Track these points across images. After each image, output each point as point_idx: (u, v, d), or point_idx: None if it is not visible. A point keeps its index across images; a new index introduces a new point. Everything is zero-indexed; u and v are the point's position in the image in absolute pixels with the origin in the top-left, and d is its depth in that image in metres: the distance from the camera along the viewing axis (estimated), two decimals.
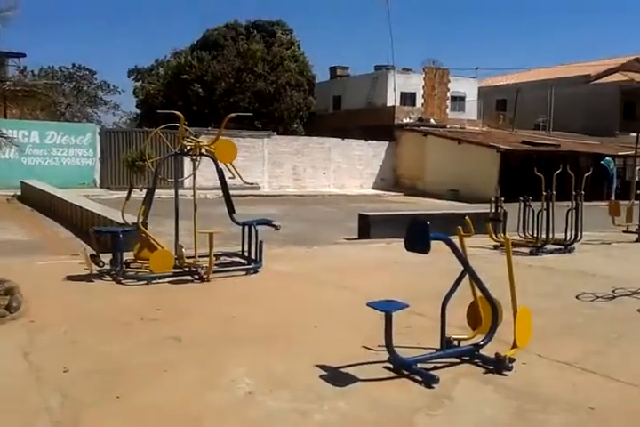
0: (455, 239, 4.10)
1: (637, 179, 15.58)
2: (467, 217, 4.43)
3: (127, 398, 3.47)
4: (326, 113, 34.26)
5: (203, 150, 7.27)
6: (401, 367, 3.93)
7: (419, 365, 3.93)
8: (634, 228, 12.16)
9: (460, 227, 4.37)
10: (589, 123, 35.25)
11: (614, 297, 6.45)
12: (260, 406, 3.41)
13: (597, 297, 6.40)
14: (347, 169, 28.23)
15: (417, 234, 3.82)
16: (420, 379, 3.80)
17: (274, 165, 26.50)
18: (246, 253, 7.39)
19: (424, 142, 28.34)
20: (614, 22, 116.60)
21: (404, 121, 30.04)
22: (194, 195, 6.97)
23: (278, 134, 27.48)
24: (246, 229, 7.33)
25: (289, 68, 30.70)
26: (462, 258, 4.05)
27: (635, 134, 26.81)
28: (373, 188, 28.57)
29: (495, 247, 9.67)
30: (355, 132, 28.96)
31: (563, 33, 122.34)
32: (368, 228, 11.00)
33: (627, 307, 5.97)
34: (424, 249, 3.76)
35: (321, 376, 3.85)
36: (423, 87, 31.43)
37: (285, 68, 30.60)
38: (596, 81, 37.50)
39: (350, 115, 32.12)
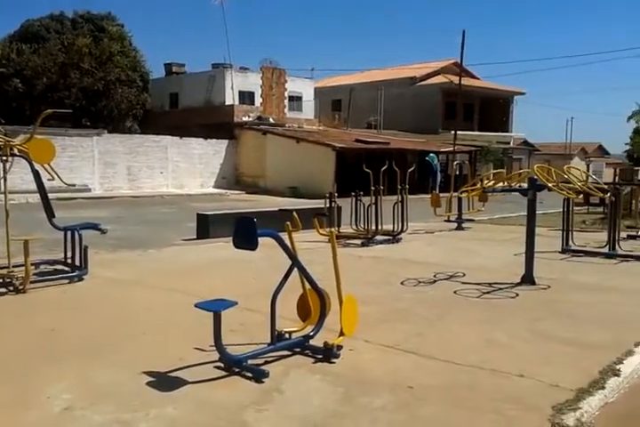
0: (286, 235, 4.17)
1: (457, 173, 17.06)
2: (294, 213, 4.50)
3: None
4: (163, 111, 33.18)
5: (15, 150, 6.61)
6: (232, 365, 3.90)
7: (250, 361, 3.92)
8: (454, 217, 13.31)
9: (288, 223, 4.44)
10: (416, 122, 37.96)
11: (435, 281, 6.99)
12: (78, 421, 3.18)
13: (420, 282, 6.89)
14: (186, 168, 27.58)
15: (244, 231, 3.81)
16: (250, 375, 3.79)
17: (106, 165, 25.06)
18: (70, 260, 6.87)
19: (264, 141, 28.61)
20: (435, 27, 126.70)
21: (244, 120, 30.05)
22: (5, 198, 6.33)
23: (110, 132, 26.03)
24: (69, 234, 6.82)
25: (119, 64, 29.18)
26: (290, 252, 4.11)
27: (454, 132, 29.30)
28: (215, 187, 28.25)
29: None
30: (194, 130, 28.39)
31: (393, 36, 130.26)
32: (207, 227, 10.83)
33: (445, 290, 6.48)
34: (251, 246, 3.76)
35: (148, 383, 3.69)
36: (261, 86, 31.67)
37: (115, 64, 29.04)
38: (420, 83, 40.47)
39: (188, 113, 31.42)
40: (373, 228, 10.31)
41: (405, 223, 10.60)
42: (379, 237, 10.33)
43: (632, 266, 8.28)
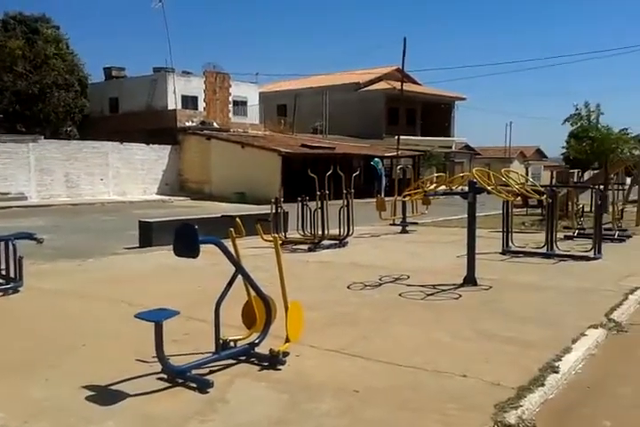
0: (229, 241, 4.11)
1: (400, 177, 17.30)
2: (237, 219, 4.45)
3: None
4: (103, 116, 32.32)
5: None
6: (175, 376, 3.81)
7: (194, 371, 3.84)
8: (398, 220, 13.51)
9: (231, 229, 4.39)
10: (361, 126, 38.41)
11: (380, 284, 7.05)
12: None
13: (366, 286, 6.93)
14: (128, 174, 26.94)
15: (185, 239, 3.74)
16: (194, 385, 3.71)
17: (42, 173, 24.18)
18: (4, 272, 6.58)
19: (208, 146, 28.29)
20: (379, 33, 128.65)
21: (187, 124, 29.63)
22: None
23: (47, 138, 25.16)
24: (2, 244, 6.53)
25: (55, 67, 28.25)
26: (233, 259, 4.06)
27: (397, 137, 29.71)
28: (158, 193, 27.71)
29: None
30: (135, 135, 27.77)
31: (337, 41, 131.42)
32: (150, 235, 10.59)
33: (390, 293, 6.54)
34: (193, 253, 3.70)
35: (87, 398, 3.55)
36: (204, 91, 31.30)
37: (52, 67, 28.09)
38: (364, 88, 40.98)
39: (130, 118, 30.71)
40: (320, 232, 10.33)
41: (351, 227, 10.67)
42: (325, 242, 10.35)
43: (569, 265, 8.58)
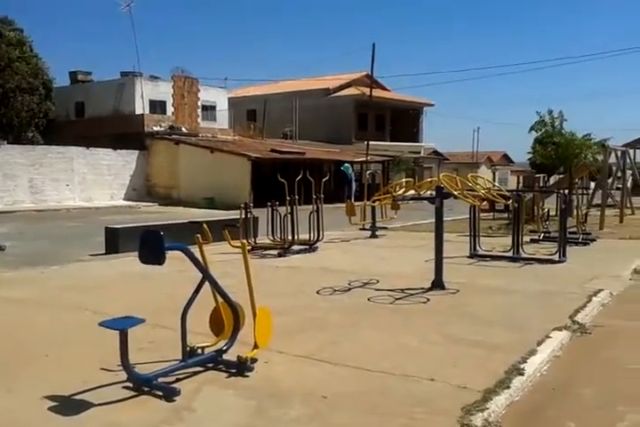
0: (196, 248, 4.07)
1: (369, 182, 17.40)
2: (204, 225, 4.41)
3: None
4: (68, 120, 31.79)
5: None
6: (141, 385, 3.74)
7: (160, 379, 3.78)
8: (368, 225, 13.57)
9: (198, 235, 4.35)
10: (331, 132, 38.54)
11: (350, 289, 7.07)
12: None
13: (335, 291, 6.94)
14: (94, 180, 26.52)
15: (151, 245, 3.69)
16: (161, 394, 3.66)
17: (5, 178, 23.65)
18: None
19: (177, 151, 28.06)
20: (349, 39, 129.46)
21: (155, 129, 29.35)
22: None
23: (10, 143, 24.63)
24: None
25: (19, 71, 27.70)
26: (200, 266, 4.02)
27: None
28: (125, 199, 27.34)
29: (248, 251, 9.92)
30: (102, 140, 27.39)
31: (306, 46, 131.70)
32: (117, 242, 10.43)
33: (360, 297, 6.56)
34: (159, 260, 3.65)
35: (50, 408, 3.47)
36: (173, 96, 31.05)
37: (15, 71, 27.54)
38: (334, 94, 41.15)
39: (96, 122, 30.26)
40: (290, 238, 10.31)
41: (321, 232, 10.68)
42: (295, 247, 10.34)
43: (534, 269, 8.73)
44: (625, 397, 3.81)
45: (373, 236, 13.11)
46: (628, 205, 20.47)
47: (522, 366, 4.14)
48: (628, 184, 23.39)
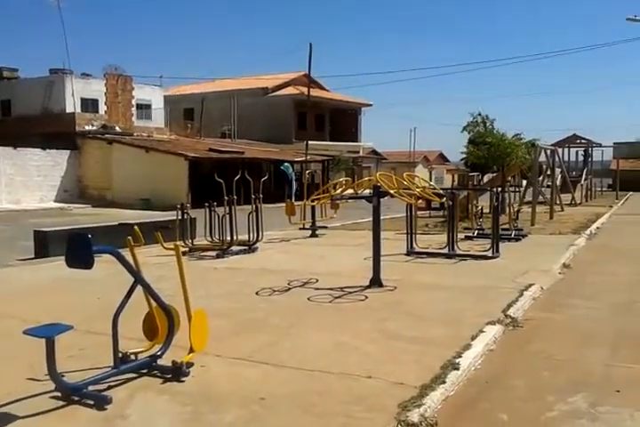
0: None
1: (309, 182, 17.44)
2: (136, 227, 4.28)
3: None
4: None
5: None
6: (71, 394, 3.59)
7: (91, 387, 3.65)
8: (308, 225, 13.57)
9: (129, 237, 4.22)
10: (270, 131, 38.37)
11: (289, 289, 7.04)
12: None
13: (275, 291, 6.89)
14: (22, 181, 25.41)
15: (78, 249, 3.55)
16: (92, 403, 3.52)
17: None
18: None
19: (110, 151, 27.26)
20: (287, 38, 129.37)
21: (87, 128, 28.40)
22: None
23: None
24: None
25: None
26: (132, 269, 3.90)
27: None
28: (57, 201, 26.33)
29: (184, 254, 9.74)
30: (31, 140, 26.26)
31: (243, 45, 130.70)
32: (46, 245, 10.02)
33: (299, 297, 6.54)
34: (87, 264, 3.52)
35: None
36: (105, 94, 30.14)
37: None
38: (272, 93, 41.00)
39: (24, 121, 29.01)
40: (228, 238, 10.17)
41: (261, 233, 10.59)
42: (234, 248, 10.21)
43: (469, 265, 8.96)
44: (554, 387, 3.94)
45: (313, 235, 13.13)
46: (558, 202, 21.37)
47: (457, 361, 4.22)
48: (558, 182, 24.42)
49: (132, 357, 4.06)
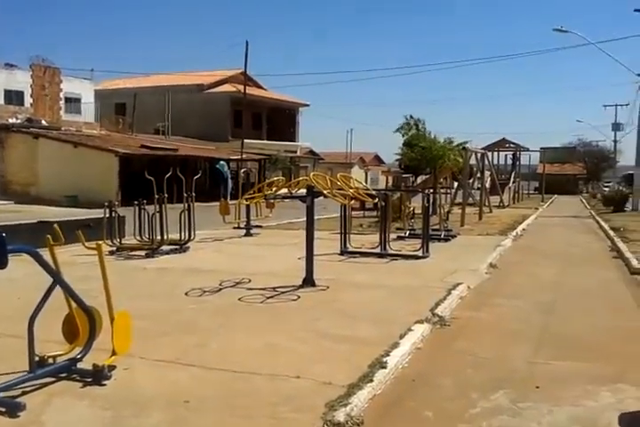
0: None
1: (244, 180, 17.27)
2: (55, 225, 4.08)
3: None
4: None
5: None
6: None
7: (3, 394, 3.44)
8: (243, 224, 13.43)
9: (49, 236, 4.02)
10: (205, 129, 37.79)
11: (220, 289, 6.92)
12: None
13: (205, 291, 6.76)
14: None
15: None
16: (3, 410, 3.32)
17: None
18: None
19: (35, 145, 26.09)
20: (223, 35, 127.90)
21: (11, 121, 27.06)
22: None
23: None
24: None
25: None
26: (50, 269, 3.72)
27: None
28: None
29: (111, 253, 9.43)
30: None
31: (176, 40, 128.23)
32: None
33: (230, 297, 6.44)
34: (1, 264, 3.32)
35: None
36: (31, 86, 28.85)
37: None
38: (209, 90, 40.40)
39: None
40: (159, 238, 9.91)
41: (193, 232, 10.37)
42: (165, 248, 9.96)
43: (399, 264, 9.10)
44: (477, 385, 4.04)
45: (248, 234, 13.00)
46: (487, 204, 22.10)
47: (384, 360, 4.26)
48: (487, 184, 25.27)
49: (50, 360, 3.87)
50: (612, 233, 13.92)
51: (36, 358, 3.69)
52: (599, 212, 23.53)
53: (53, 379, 3.80)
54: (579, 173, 63.73)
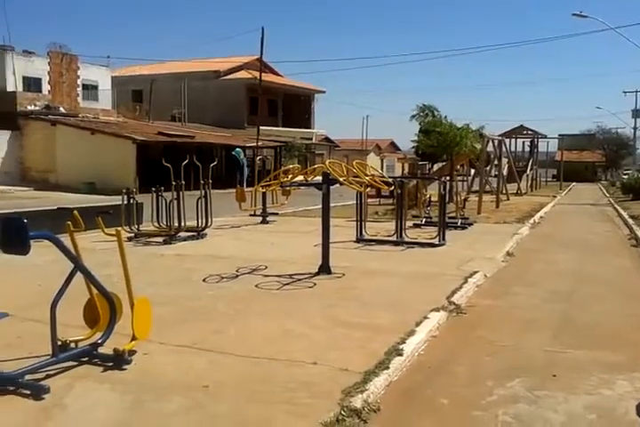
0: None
1: (260, 168, 17.30)
2: (75, 212, 4.14)
3: None
4: None
5: None
6: (6, 384, 3.47)
7: (28, 376, 3.53)
8: (259, 211, 13.49)
9: (69, 222, 4.08)
10: (221, 116, 37.80)
11: (237, 276, 6.98)
12: None
13: (223, 278, 6.83)
14: None
15: (13, 234, 3.40)
16: (28, 392, 3.41)
17: None
18: None
19: (54, 132, 26.31)
20: (241, 22, 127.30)
21: (29, 108, 27.30)
22: None
23: None
24: None
25: None
26: (71, 255, 3.78)
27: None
28: None
29: (130, 240, 9.54)
30: None
31: (194, 27, 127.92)
32: None
33: (247, 284, 6.50)
34: (23, 250, 3.39)
35: None
36: (49, 73, 29.00)
37: None
38: (225, 77, 40.33)
39: None
40: (176, 224, 9.99)
41: (210, 219, 10.44)
42: (182, 234, 10.05)
43: (416, 252, 9.09)
44: (493, 373, 4.05)
45: (264, 222, 13.06)
46: (504, 192, 21.92)
47: (401, 347, 4.28)
48: (504, 172, 25.04)
49: (72, 345, 3.95)
50: (630, 221, 13.76)
51: (59, 343, 3.78)
52: (618, 200, 23.26)
53: (75, 363, 3.88)
54: (597, 160, 62.86)
